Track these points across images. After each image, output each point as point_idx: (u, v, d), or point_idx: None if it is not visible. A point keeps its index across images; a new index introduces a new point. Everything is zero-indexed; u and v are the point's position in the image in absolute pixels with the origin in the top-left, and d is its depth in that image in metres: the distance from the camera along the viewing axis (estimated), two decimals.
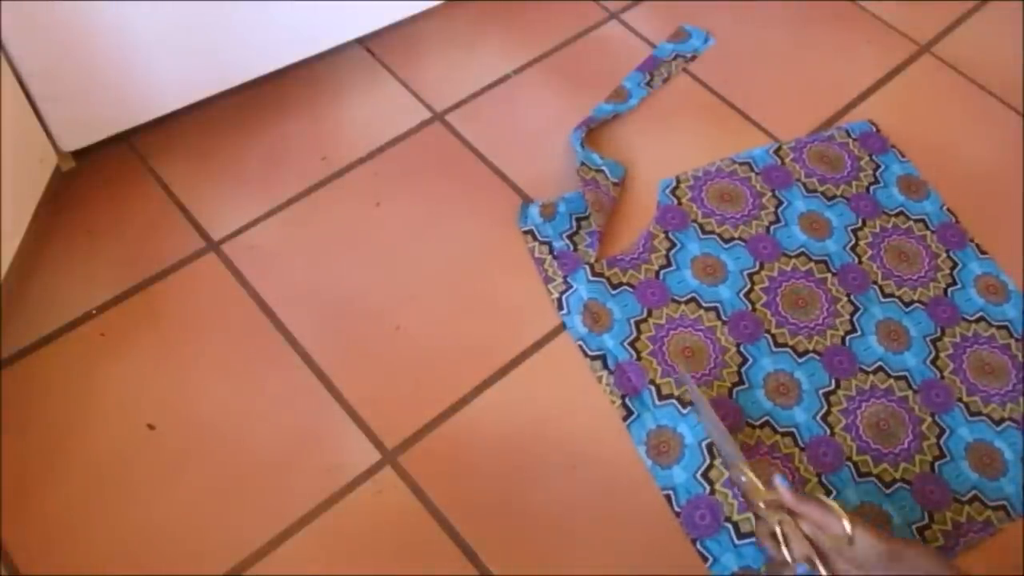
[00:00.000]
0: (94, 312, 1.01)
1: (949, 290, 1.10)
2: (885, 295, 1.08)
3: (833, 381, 1.01)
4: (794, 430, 0.98)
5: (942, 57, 1.36)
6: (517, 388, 1.00)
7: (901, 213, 1.16)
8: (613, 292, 1.06)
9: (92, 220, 1.08)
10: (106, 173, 1.12)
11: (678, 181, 1.16)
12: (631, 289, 1.06)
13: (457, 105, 1.23)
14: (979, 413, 1.00)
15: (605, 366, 1.00)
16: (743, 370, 1.01)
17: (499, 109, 1.23)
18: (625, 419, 0.97)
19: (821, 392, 1.00)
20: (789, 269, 1.09)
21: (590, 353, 1.01)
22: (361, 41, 1.28)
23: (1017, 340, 1.06)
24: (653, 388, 0.99)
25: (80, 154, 1.11)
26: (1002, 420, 1.00)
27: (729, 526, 0.91)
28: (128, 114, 1.10)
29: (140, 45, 1.02)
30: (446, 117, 1.22)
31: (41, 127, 1.02)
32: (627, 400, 0.98)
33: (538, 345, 1.03)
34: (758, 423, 0.98)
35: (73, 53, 0.98)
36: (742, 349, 1.03)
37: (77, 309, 1.01)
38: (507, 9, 1.34)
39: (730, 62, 1.32)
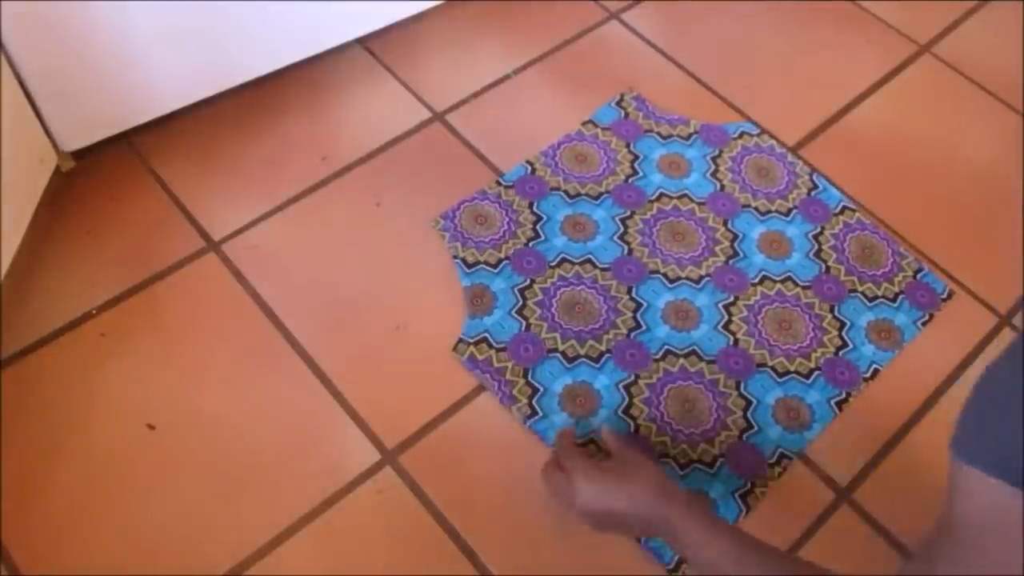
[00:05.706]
0: (94, 312, 1.01)
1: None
2: (762, 213, 1.14)
3: (732, 296, 1.07)
4: (696, 348, 1.02)
5: (942, 57, 1.36)
6: None
7: (743, 134, 1.23)
8: (495, 271, 1.07)
9: (92, 220, 1.09)
10: (106, 173, 1.12)
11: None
12: (508, 261, 1.08)
13: (457, 105, 1.23)
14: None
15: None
16: (638, 315, 1.04)
17: (499, 109, 1.23)
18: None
19: (721, 305, 1.06)
20: (655, 212, 1.13)
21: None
22: (361, 41, 1.28)
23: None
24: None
25: (80, 154, 1.11)
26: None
27: None
28: (128, 114, 1.10)
29: (140, 45, 1.02)
30: (446, 117, 1.22)
31: (41, 127, 1.02)
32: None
33: None
34: (659, 355, 1.02)
35: (73, 53, 0.98)
36: (634, 295, 1.06)
37: (77, 309, 1.01)
38: (507, 9, 1.34)
39: (730, 62, 1.32)
